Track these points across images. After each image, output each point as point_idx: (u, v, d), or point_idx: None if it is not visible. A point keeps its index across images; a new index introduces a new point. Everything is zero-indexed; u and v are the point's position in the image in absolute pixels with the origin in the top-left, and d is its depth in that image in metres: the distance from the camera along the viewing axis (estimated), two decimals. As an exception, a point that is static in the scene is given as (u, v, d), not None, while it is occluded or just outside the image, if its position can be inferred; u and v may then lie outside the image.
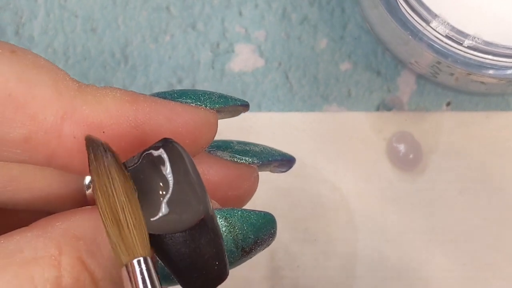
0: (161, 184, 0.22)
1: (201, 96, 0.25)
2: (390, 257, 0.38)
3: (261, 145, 0.29)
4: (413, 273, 0.38)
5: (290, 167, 0.31)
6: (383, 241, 0.39)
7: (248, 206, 0.27)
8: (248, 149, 0.28)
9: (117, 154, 0.22)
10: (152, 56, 0.40)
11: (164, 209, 0.22)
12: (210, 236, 0.23)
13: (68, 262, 0.22)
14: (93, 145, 0.22)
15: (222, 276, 0.23)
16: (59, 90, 0.22)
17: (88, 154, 0.22)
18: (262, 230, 0.25)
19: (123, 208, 0.21)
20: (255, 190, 0.28)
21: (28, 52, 0.23)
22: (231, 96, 0.26)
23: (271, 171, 0.30)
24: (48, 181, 0.25)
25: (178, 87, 0.39)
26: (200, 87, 0.39)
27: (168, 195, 0.22)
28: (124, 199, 0.21)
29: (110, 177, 0.22)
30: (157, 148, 0.23)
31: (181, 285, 0.23)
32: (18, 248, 0.21)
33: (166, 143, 0.23)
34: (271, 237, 0.25)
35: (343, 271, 0.38)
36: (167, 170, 0.22)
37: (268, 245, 0.25)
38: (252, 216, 0.24)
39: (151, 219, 0.22)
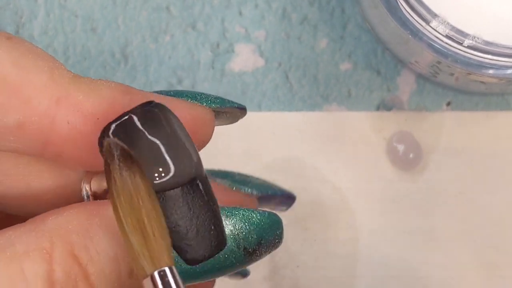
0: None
1: (198, 95, 0.25)
2: (390, 257, 0.38)
3: (262, 179, 0.29)
4: (413, 273, 0.38)
5: (290, 205, 0.30)
6: (383, 241, 0.39)
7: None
8: (248, 180, 0.28)
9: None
10: (152, 56, 0.40)
11: (166, 163, 0.21)
12: (204, 199, 0.22)
13: (60, 256, 0.21)
14: (111, 149, 0.21)
15: (219, 243, 0.22)
16: (54, 76, 0.22)
17: (106, 153, 0.21)
18: (266, 230, 0.24)
19: (149, 216, 0.21)
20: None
21: (25, 40, 0.23)
22: (228, 99, 0.26)
23: (271, 209, 0.29)
24: (43, 178, 0.25)
25: (178, 87, 0.39)
26: (200, 87, 0.39)
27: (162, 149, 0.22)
28: (150, 205, 0.21)
29: (135, 183, 0.21)
30: (146, 106, 0.22)
31: (178, 253, 0.22)
32: (10, 242, 0.21)
33: (155, 103, 0.22)
34: (277, 238, 0.24)
35: (343, 271, 0.38)
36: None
37: (276, 247, 0.24)
38: (255, 216, 0.24)
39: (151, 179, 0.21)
